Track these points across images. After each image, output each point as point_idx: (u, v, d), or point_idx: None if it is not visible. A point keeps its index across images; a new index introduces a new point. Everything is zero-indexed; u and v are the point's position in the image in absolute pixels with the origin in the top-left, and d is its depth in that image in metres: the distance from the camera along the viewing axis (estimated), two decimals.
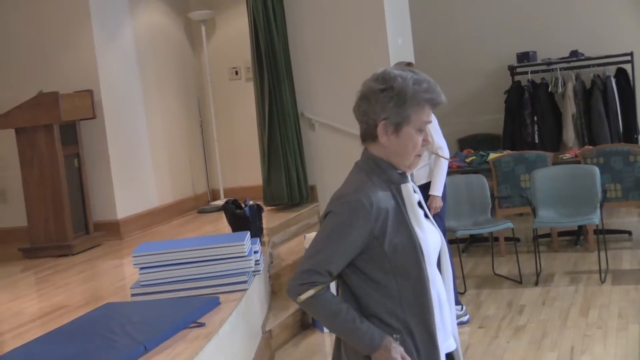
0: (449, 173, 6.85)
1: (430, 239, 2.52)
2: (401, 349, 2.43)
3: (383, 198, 2.44)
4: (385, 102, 2.43)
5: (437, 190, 6.07)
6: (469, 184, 7.57)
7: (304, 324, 5.83)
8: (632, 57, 10.06)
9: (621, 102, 9.99)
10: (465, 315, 6.24)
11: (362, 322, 2.44)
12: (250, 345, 4.97)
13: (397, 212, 2.46)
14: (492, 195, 7.70)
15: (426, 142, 2.49)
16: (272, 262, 6.43)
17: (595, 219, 7.13)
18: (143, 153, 8.02)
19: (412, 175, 2.59)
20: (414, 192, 2.55)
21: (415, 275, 2.45)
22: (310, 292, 2.44)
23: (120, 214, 7.52)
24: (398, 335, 2.45)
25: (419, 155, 2.51)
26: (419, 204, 2.57)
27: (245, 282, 4.85)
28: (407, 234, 2.45)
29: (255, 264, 5.13)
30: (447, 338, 2.58)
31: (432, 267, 2.51)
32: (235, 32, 8.92)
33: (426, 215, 2.59)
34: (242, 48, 8.54)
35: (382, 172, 2.49)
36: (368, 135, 2.50)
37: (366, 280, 2.47)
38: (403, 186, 2.50)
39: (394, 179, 2.49)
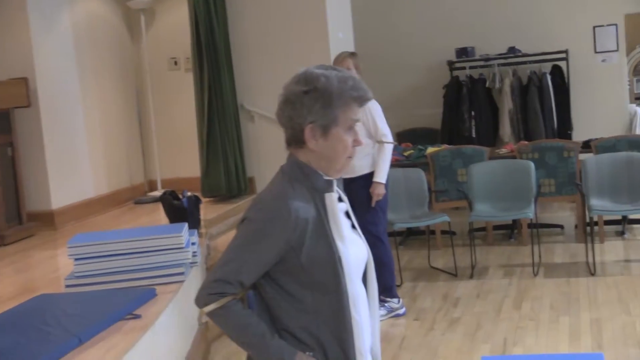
0: None
1: (354, 252, 2.38)
2: None
3: (304, 207, 2.30)
4: (311, 105, 2.30)
5: (380, 177, 6.08)
6: (406, 178, 7.63)
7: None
8: (567, 54, 10.26)
9: (556, 99, 10.16)
10: (402, 307, 6.29)
11: (272, 337, 2.30)
12: (186, 337, 4.94)
13: (318, 222, 2.31)
14: (429, 189, 7.78)
15: (357, 142, 2.37)
16: (209, 254, 6.40)
17: (529, 213, 7.25)
18: (79, 143, 7.92)
19: (340, 184, 2.46)
20: (341, 201, 2.43)
21: (333, 291, 2.31)
22: (218, 303, 2.29)
23: (55, 204, 7.41)
24: (311, 353, 2.32)
25: (350, 157, 2.38)
26: (347, 214, 2.46)
27: (182, 273, 4.83)
28: (326, 246, 2.31)
29: (193, 256, 5.11)
30: (365, 358, 2.42)
31: (353, 283, 2.35)
32: (175, 22, 8.85)
33: (353, 226, 2.48)
34: (181, 38, 8.48)
35: (306, 179, 2.35)
36: (294, 141, 2.36)
37: (280, 293, 2.34)
38: (327, 195, 2.35)
39: (318, 187, 2.35)
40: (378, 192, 6.08)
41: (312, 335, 2.32)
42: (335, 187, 2.40)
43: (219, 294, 2.29)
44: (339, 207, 2.39)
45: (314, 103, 2.30)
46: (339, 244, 2.32)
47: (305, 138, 2.33)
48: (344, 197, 2.47)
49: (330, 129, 2.32)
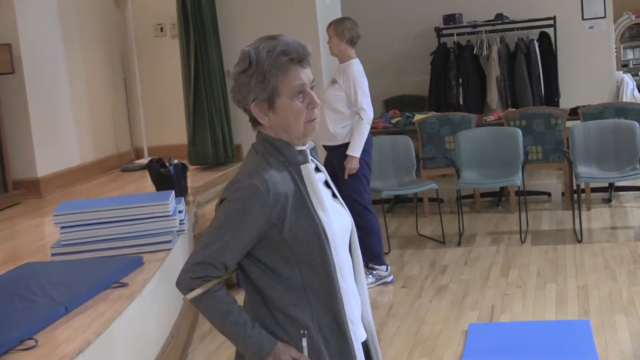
0: (374, 133, 6.90)
1: (337, 222, 2.34)
2: (294, 353, 2.28)
3: (281, 182, 2.26)
4: (248, 82, 2.26)
5: (354, 151, 6.06)
6: (394, 145, 7.61)
7: (228, 284, 5.81)
8: (554, 21, 10.22)
9: (544, 66, 10.15)
10: (390, 275, 6.30)
11: (253, 327, 2.27)
12: (173, 306, 4.93)
13: (298, 195, 2.28)
14: (417, 156, 7.77)
15: (313, 104, 2.29)
16: (196, 222, 6.38)
17: (516, 180, 7.25)
18: (64, 110, 7.84)
19: (315, 154, 2.41)
20: (318, 171, 2.39)
21: (320, 263, 2.28)
22: (201, 289, 2.25)
23: (40, 172, 7.35)
24: (305, 331, 2.29)
25: (312, 121, 2.31)
26: (326, 183, 2.42)
27: (169, 241, 4.80)
28: (308, 218, 2.27)
29: (180, 224, 5.08)
30: (357, 327, 2.40)
31: (339, 253, 2.32)
32: None
33: (334, 195, 2.44)
34: (167, 4, 8.38)
35: (279, 152, 2.30)
36: (254, 121, 2.34)
37: (267, 272, 2.30)
38: (303, 167, 2.31)
39: (292, 159, 2.31)
40: (351, 165, 6.06)
41: (305, 311, 2.30)
42: (310, 158, 2.36)
43: (202, 278, 2.25)
44: (317, 177, 2.35)
45: (250, 80, 2.26)
46: (322, 214, 2.29)
47: (256, 116, 2.30)
48: (322, 167, 2.43)
49: (275, 100, 2.28)
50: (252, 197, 2.23)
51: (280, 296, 2.30)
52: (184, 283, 2.28)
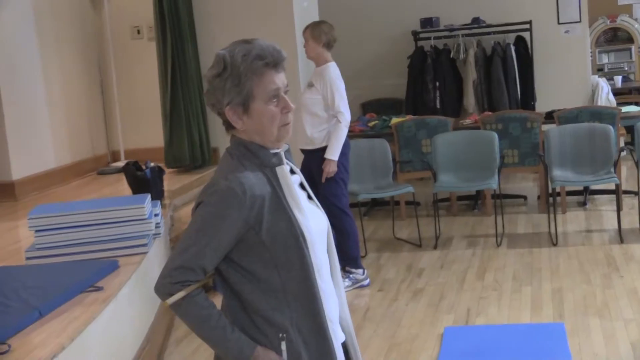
0: (351, 137, 6.91)
1: (314, 223, 2.36)
2: (274, 356, 2.28)
3: (257, 184, 2.27)
4: (223, 86, 2.27)
5: (332, 154, 6.07)
6: (371, 148, 7.63)
7: (205, 287, 5.80)
8: (530, 25, 10.27)
9: (520, 70, 10.20)
10: (366, 278, 6.31)
11: (232, 331, 2.27)
12: (149, 309, 4.92)
13: (274, 197, 2.29)
14: (393, 159, 7.78)
15: (287, 108, 2.31)
16: (173, 225, 6.36)
17: (492, 184, 7.28)
18: (40, 112, 7.79)
19: (289, 156, 2.42)
20: (293, 173, 2.40)
21: (298, 265, 2.29)
22: (182, 293, 2.24)
23: (15, 175, 7.30)
24: (284, 335, 2.29)
25: (286, 125, 2.32)
26: (301, 185, 2.43)
27: (145, 245, 4.79)
28: (286, 220, 2.28)
29: (156, 227, 5.06)
30: (336, 327, 2.42)
31: (317, 254, 2.33)
32: None
33: (310, 197, 2.45)
34: (144, 7, 8.35)
35: (253, 155, 2.31)
36: (228, 125, 2.34)
37: (246, 275, 2.30)
38: (278, 169, 2.33)
39: (267, 162, 2.32)
40: (328, 169, 6.07)
41: (284, 314, 2.30)
42: (285, 160, 2.37)
43: (181, 283, 2.24)
44: (292, 179, 2.36)
45: (225, 84, 2.27)
46: (299, 216, 2.30)
47: (230, 120, 2.31)
48: (296, 169, 2.44)
49: (249, 104, 2.29)
50: (228, 199, 2.24)
51: (259, 300, 2.30)
52: (163, 288, 2.27)
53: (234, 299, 2.33)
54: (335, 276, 2.49)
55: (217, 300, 2.34)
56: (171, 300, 2.25)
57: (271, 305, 2.30)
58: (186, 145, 7.90)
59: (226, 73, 2.26)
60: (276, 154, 2.35)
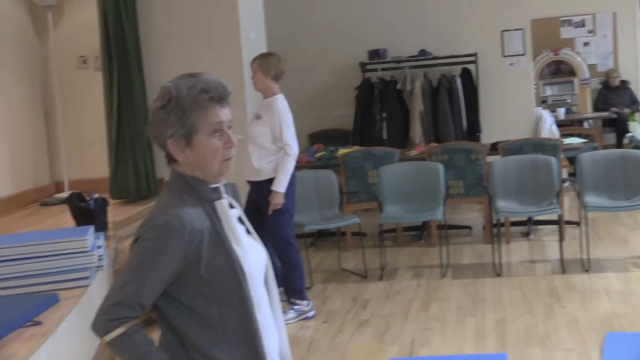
0: (298, 168, 6.92)
1: (253, 257, 2.37)
2: None
3: (196, 218, 2.26)
4: (166, 118, 2.27)
5: (279, 186, 6.08)
6: (317, 179, 7.66)
7: (148, 321, 5.75)
8: (476, 58, 10.44)
9: (466, 101, 10.35)
10: (311, 310, 6.30)
11: None
12: (90, 344, 4.85)
13: (213, 232, 2.28)
14: (340, 190, 7.81)
15: (230, 143, 2.32)
16: (117, 257, 6.29)
17: (438, 214, 7.34)
18: None
19: (229, 190, 2.44)
20: (232, 207, 2.41)
21: (237, 299, 2.29)
22: (120, 330, 2.21)
23: None
24: None
25: (228, 160, 2.33)
26: (240, 219, 2.44)
27: (87, 277, 4.72)
28: (225, 254, 2.28)
29: (98, 259, 5.00)
30: None
31: (256, 288, 2.34)
32: (84, 19, 8.65)
33: (248, 231, 2.46)
34: (90, 36, 8.29)
35: (193, 190, 2.31)
36: (169, 157, 2.34)
37: (184, 310, 2.29)
38: (217, 203, 2.33)
39: (207, 196, 2.32)
40: (275, 201, 6.08)
41: (222, 349, 2.29)
42: (224, 194, 2.38)
43: (119, 319, 2.22)
44: (231, 213, 2.37)
45: (168, 116, 2.27)
46: (238, 250, 2.31)
47: (172, 153, 2.31)
48: (235, 203, 2.45)
49: (192, 137, 2.29)
50: (167, 234, 2.23)
51: (197, 335, 2.29)
52: (100, 325, 2.25)
53: (172, 335, 2.33)
54: (275, 310, 2.50)
55: (158, 334, 2.33)
56: (108, 337, 2.23)
57: (210, 340, 2.29)
58: (132, 176, 7.84)
59: (170, 105, 2.27)
60: (216, 188, 2.36)
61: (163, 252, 2.23)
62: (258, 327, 2.32)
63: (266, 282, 2.48)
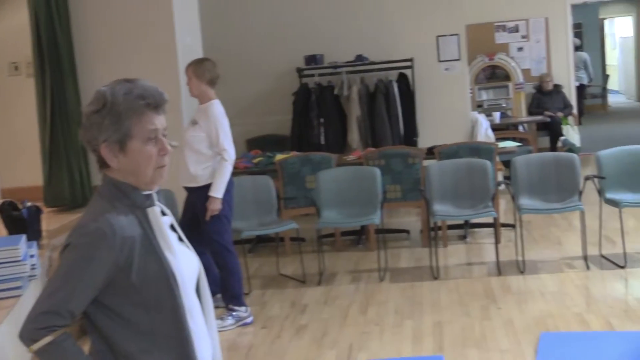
0: (235, 174, 6.90)
1: (185, 264, 2.36)
2: None
3: (128, 225, 2.24)
4: (100, 123, 2.25)
5: (216, 192, 6.05)
6: (255, 185, 7.63)
7: (84, 329, 5.67)
8: (412, 63, 10.52)
9: (403, 106, 10.40)
10: (249, 316, 6.28)
11: None
12: (24, 355, 4.76)
13: (145, 239, 2.27)
14: (278, 196, 7.80)
15: (164, 150, 2.31)
16: (50, 266, 6.19)
17: (375, 219, 7.38)
18: None
19: (161, 197, 2.42)
20: (164, 214, 2.39)
21: (169, 307, 2.28)
22: (48, 339, 2.17)
23: None
24: None
25: (161, 167, 2.32)
26: (172, 227, 2.42)
27: (19, 287, 4.65)
28: (157, 262, 2.27)
29: (31, 269, 4.93)
30: None
31: (188, 296, 2.34)
32: (15, 25, 8.53)
33: (181, 239, 2.45)
34: (22, 42, 8.18)
35: (124, 196, 2.29)
36: (101, 162, 2.32)
37: (114, 318, 2.27)
38: (149, 210, 2.31)
39: (138, 203, 2.30)
40: (213, 207, 6.04)
41: (154, 356, 2.28)
42: (156, 202, 2.36)
43: (47, 328, 2.18)
44: (163, 220, 2.35)
45: (103, 120, 2.26)
46: (170, 257, 2.30)
47: (105, 157, 2.29)
48: (167, 211, 2.43)
49: (126, 143, 2.28)
50: (97, 241, 2.21)
51: (128, 343, 2.27)
52: (28, 334, 2.21)
53: (102, 343, 2.30)
54: (208, 317, 2.49)
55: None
56: (36, 346, 2.19)
57: (141, 348, 2.27)
58: (66, 184, 7.74)
59: (105, 110, 2.25)
60: (148, 195, 2.34)
61: (93, 260, 2.20)
62: (190, 335, 2.31)
63: (199, 289, 2.47)
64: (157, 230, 2.30)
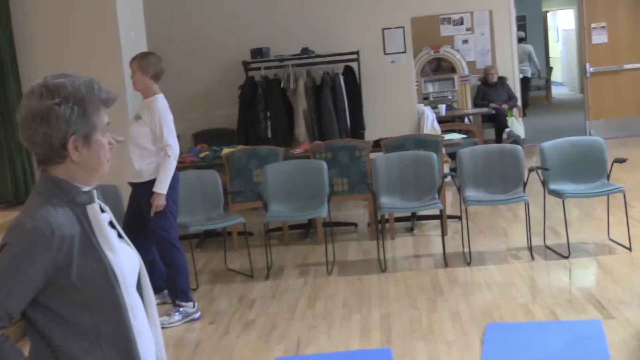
0: (182, 168, 6.86)
1: (126, 261, 2.33)
2: None
3: (66, 223, 2.21)
4: (68, 115, 2.20)
5: (161, 187, 5.99)
6: (201, 180, 7.58)
7: (23, 331, 5.57)
8: (358, 56, 10.54)
9: (349, 99, 10.42)
10: (197, 312, 6.24)
11: None
12: None
13: (84, 237, 2.23)
14: (225, 190, 7.76)
15: (111, 144, 2.32)
16: None
17: (322, 212, 7.38)
18: None
19: (99, 193, 2.38)
20: (103, 211, 2.36)
21: (110, 305, 2.25)
22: None
23: None
24: None
25: (108, 161, 2.33)
26: (111, 224, 2.39)
27: None
28: (97, 260, 2.23)
29: None
30: None
31: (129, 293, 2.30)
32: None
33: (120, 236, 2.42)
34: None
35: (64, 194, 2.25)
36: (51, 158, 2.25)
37: (54, 319, 2.22)
38: (89, 207, 2.28)
39: (78, 200, 2.27)
40: (157, 202, 5.99)
41: (96, 356, 2.25)
42: (96, 199, 2.33)
43: None
44: (102, 217, 2.32)
45: (71, 113, 2.22)
46: (110, 255, 2.27)
47: (69, 151, 2.24)
48: (106, 208, 2.40)
49: (92, 136, 2.27)
50: (35, 241, 2.16)
51: (69, 343, 2.24)
52: None
53: (42, 344, 2.26)
54: (150, 314, 2.47)
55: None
56: None
57: (82, 348, 2.24)
58: (9, 180, 7.62)
59: (69, 102, 2.21)
60: (89, 191, 2.31)
61: (31, 259, 2.16)
62: (132, 333, 2.29)
63: (140, 286, 2.45)
64: (96, 228, 2.27)
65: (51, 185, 2.27)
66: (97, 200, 2.34)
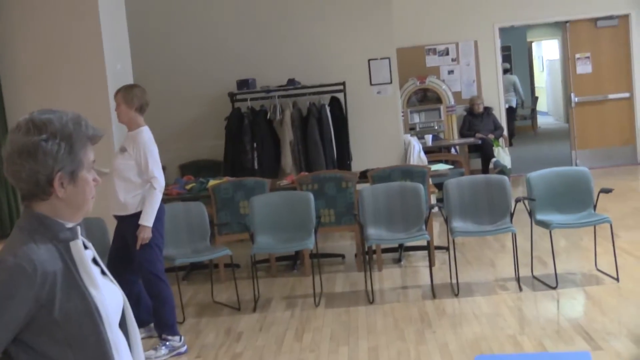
0: (168, 200, 6.82)
1: (109, 298, 2.30)
2: None
3: (49, 260, 2.17)
4: (55, 152, 2.19)
5: (147, 220, 5.96)
6: (187, 212, 7.54)
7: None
8: (344, 86, 10.55)
9: (335, 130, 10.42)
10: (183, 345, 6.18)
11: None
12: None
13: (67, 274, 2.20)
14: (211, 222, 7.72)
15: (96, 181, 2.31)
16: None
17: (309, 244, 7.35)
18: None
19: (82, 229, 2.36)
20: (86, 248, 2.33)
21: (93, 342, 2.21)
22: None
23: None
24: None
25: (93, 197, 2.32)
26: (94, 260, 2.36)
27: None
28: (80, 297, 2.20)
29: None
30: None
31: (113, 330, 2.28)
32: None
33: (103, 272, 2.39)
34: None
35: (47, 230, 2.22)
36: (36, 194, 2.23)
37: (36, 357, 2.18)
38: (72, 244, 2.25)
39: (61, 237, 2.24)
40: (143, 235, 5.96)
41: None
42: (79, 235, 2.31)
43: None
44: (85, 254, 2.30)
45: (58, 149, 2.20)
46: (94, 292, 2.23)
47: (55, 188, 2.22)
48: (89, 244, 2.37)
49: (78, 173, 2.25)
50: (17, 277, 2.13)
51: None
52: None
53: None
54: (135, 351, 2.44)
55: None
56: None
57: None
58: None
59: (56, 138, 2.19)
60: (72, 228, 2.29)
61: (13, 297, 2.12)
62: None
63: (125, 323, 2.42)
64: (79, 265, 2.24)
65: (34, 222, 2.24)
66: (80, 237, 2.31)
